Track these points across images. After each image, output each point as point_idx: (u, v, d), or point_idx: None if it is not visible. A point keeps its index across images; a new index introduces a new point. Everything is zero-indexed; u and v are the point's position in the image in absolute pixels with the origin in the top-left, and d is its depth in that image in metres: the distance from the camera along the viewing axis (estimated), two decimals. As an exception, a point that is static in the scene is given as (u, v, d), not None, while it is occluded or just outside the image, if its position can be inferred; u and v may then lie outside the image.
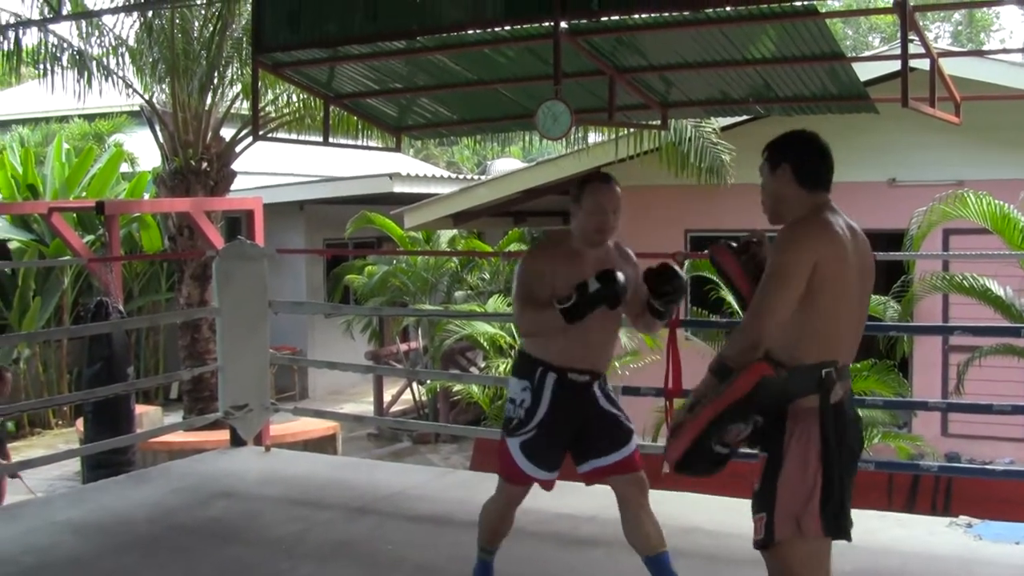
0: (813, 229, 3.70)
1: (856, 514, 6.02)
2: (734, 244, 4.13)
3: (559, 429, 4.82)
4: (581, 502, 6.42)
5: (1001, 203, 10.80)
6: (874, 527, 5.83)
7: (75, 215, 17.22)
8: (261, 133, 11.07)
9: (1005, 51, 10.83)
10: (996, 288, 11.12)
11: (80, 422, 12.61)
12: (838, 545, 5.91)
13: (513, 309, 4.87)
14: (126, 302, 15.87)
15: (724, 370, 3.66)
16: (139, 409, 12.93)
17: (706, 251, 4.29)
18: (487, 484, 7.36)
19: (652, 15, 6.05)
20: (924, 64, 6.45)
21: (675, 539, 5.47)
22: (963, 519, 6.31)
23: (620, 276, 4.54)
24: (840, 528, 3.67)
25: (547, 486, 4.93)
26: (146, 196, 18.12)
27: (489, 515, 5.12)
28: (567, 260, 4.73)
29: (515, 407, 4.86)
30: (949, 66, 7.45)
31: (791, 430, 3.64)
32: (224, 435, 9.01)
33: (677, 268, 4.72)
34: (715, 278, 11.94)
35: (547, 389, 4.78)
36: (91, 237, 17.58)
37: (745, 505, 6.65)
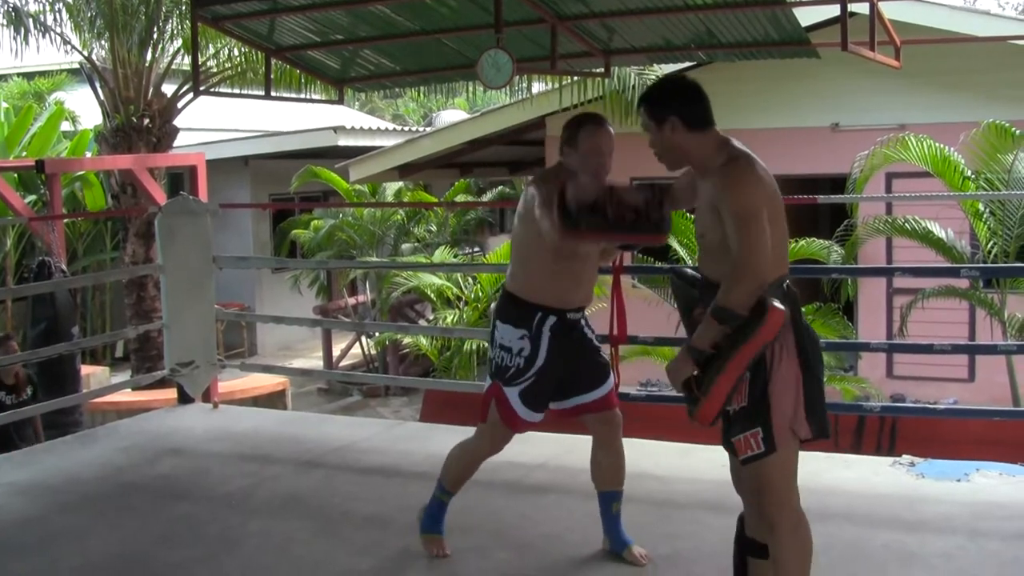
0: (755, 166, 3.76)
1: (802, 456, 6.10)
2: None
3: (555, 372, 4.80)
4: (530, 450, 6.45)
5: (942, 146, 10.91)
6: (820, 468, 5.90)
7: (16, 175, 17.01)
8: (202, 88, 10.96)
9: (946, -5, 10.95)
10: (938, 230, 11.25)
11: (26, 383, 12.50)
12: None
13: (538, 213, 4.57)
14: (71, 262, 15.76)
15: (732, 317, 3.67)
16: (86, 369, 12.83)
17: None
18: (436, 435, 7.40)
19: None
20: (864, 8, 6.47)
21: (625, 485, 5.54)
22: (906, 458, 6.40)
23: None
24: (824, 427, 3.78)
25: (534, 427, 4.95)
26: (88, 154, 17.91)
27: (463, 459, 5.04)
28: None
29: (511, 355, 4.78)
30: (889, 10, 7.49)
31: (770, 343, 3.71)
32: (172, 393, 8.97)
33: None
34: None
35: (545, 335, 4.74)
36: (33, 197, 17.38)
37: (695, 450, 6.74)
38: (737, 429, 3.78)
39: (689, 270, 4.35)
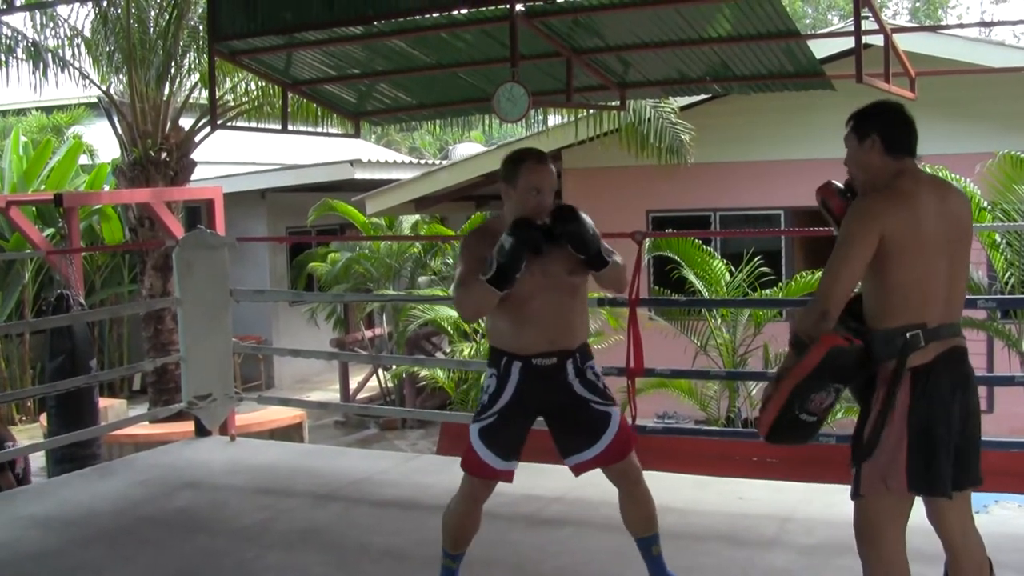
0: (880, 200, 3.79)
1: (821, 488, 6.07)
2: (841, 185, 4.17)
3: (522, 416, 4.61)
4: (547, 483, 6.45)
5: (958, 177, 10.88)
6: (837, 500, 5.86)
7: (34, 208, 17.09)
8: (220, 122, 11.01)
9: (961, 26, 10.92)
10: (955, 261, 11.20)
11: (44, 417, 12.53)
12: (802, 520, 5.96)
13: (453, 295, 4.56)
14: (88, 295, 15.79)
15: (800, 343, 3.82)
16: (103, 402, 12.85)
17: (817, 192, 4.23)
18: (454, 468, 7.37)
19: (608, -5, 6.06)
20: (879, 40, 6.49)
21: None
22: (925, 490, 6.36)
23: (536, 221, 4.38)
24: (929, 485, 3.78)
25: (505, 477, 4.65)
26: (106, 188, 17.99)
27: (452, 516, 4.84)
28: None
29: (482, 393, 4.72)
30: (905, 42, 7.51)
31: (878, 391, 3.79)
32: (189, 426, 8.99)
33: (573, 208, 4.52)
34: (677, 257, 12.00)
35: (512, 377, 4.56)
36: (51, 230, 17.43)
37: (712, 482, 6.73)
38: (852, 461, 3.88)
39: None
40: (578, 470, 4.71)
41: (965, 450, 3.85)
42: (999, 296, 10.70)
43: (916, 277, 3.76)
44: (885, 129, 3.96)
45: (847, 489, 6.26)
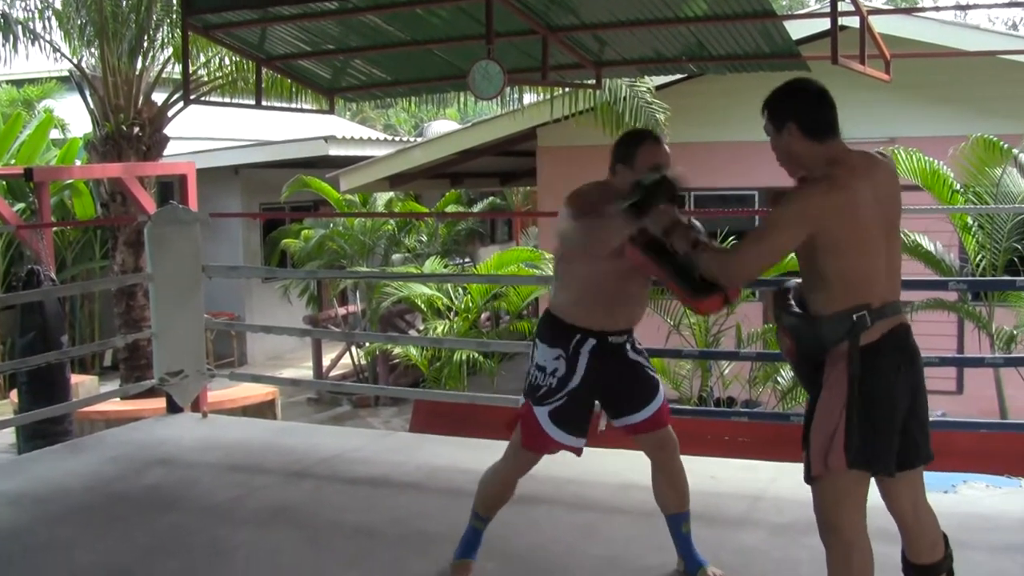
0: (816, 198, 3.67)
1: (791, 467, 6.09)
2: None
3: (590, 394, 4.62)
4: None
5: (931, 160, 10.94)
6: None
7: (4, 183, 16.96)
8: (193, 97, 10.94)
9: (936, 9, 10.96)
10: (926, 243, 11.27)
11: (14, 393, 12.45)
12: (772, 499, 5.99)
13: (575, 236, 4.40)
14: (60, 270, 15.69)
15: (691, 262, 4.00)
16: (75, 379, 12.77)
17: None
18: (426, 445, 7.40)
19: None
20: (855, 22, 6.50)
21: (612, 495, 5.56)
22: (894, 470, 6.39)
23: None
24: (870, 462, 3.74)
25: (578, 452, 4.68)
26: (77, 162, 17.87)
27: (493, 482, 4.87)
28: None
29: (544, 375, 4.59)
30: (880, 24, 7.52)
31: (827, 374, 3.74)
32: (161, 403, 8.94)
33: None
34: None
35: (583, 357, 4.53)
36: (22, 205, 17.32)
37: (685, 461, 6.73)
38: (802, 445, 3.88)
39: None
40: (626, 432, 4.78)
41: (914, 427, 3.86)
42: (970, 278, 10.75)
43: (856, 263, 3.71)
44: (800, 114, 3.83)
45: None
